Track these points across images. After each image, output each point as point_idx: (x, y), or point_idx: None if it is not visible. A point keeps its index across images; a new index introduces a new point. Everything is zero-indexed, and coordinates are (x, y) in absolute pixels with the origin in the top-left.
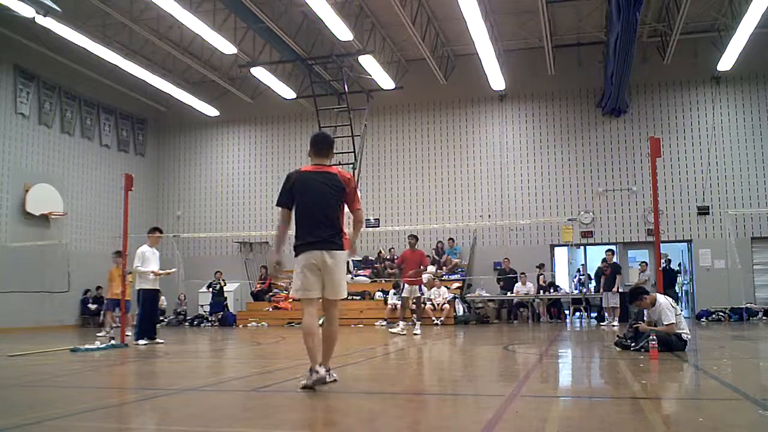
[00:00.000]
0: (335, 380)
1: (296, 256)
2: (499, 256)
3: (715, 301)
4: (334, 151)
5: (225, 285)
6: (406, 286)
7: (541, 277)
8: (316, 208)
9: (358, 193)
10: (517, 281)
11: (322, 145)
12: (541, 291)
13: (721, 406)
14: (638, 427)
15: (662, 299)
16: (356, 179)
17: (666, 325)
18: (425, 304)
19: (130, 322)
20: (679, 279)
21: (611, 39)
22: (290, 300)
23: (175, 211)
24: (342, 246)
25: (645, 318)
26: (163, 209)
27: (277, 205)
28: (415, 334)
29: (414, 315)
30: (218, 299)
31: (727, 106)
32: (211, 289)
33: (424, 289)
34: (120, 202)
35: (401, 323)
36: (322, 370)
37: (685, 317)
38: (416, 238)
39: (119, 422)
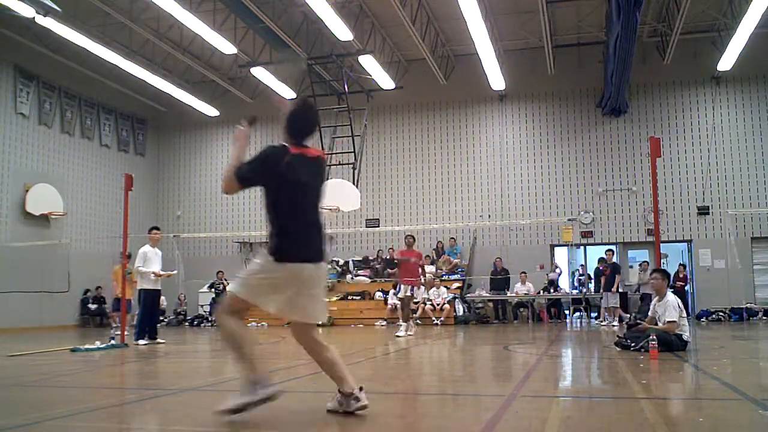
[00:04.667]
0: (364, 406)
1: (277, 261)
2: (499, 256)
3: (715, 301)
4: (334, 151)
5: (228, 285)
6: (403, 285)
7: (554, 273)
8: (313, 207)
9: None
10: (509, 281)
11: (314, 122)
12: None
13: (721, 406)
14: (638, 427)
15: (672, 296)
16: (356, 179)
17: (668, 322)
18: (424, 304)
19: (130, 322)
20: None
21: (611, 39)
22: None
23: (175, 211)
24: None
25: (650, 313)
26: (163, 209)
27: (240, 177)
28: (398, 336)
29: (405, 315)
30: (220, 299)
31: (727, 106)
32: (213, 290)
33: (419, 291)
34: (120, 202)
35: (403, 325)
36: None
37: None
38: (413, 238)
39: (119, 422)
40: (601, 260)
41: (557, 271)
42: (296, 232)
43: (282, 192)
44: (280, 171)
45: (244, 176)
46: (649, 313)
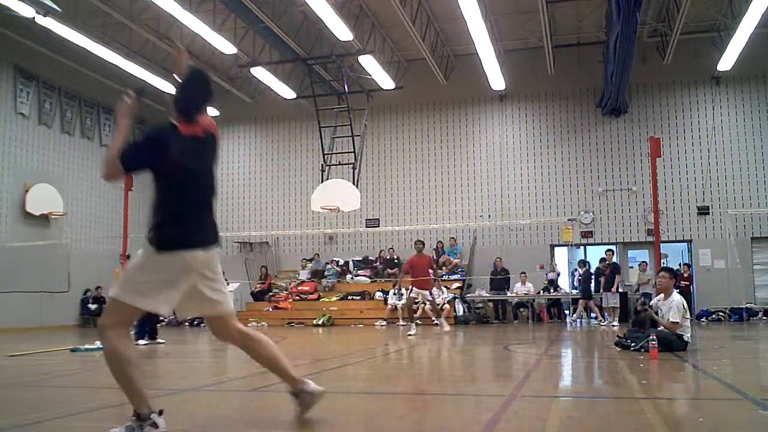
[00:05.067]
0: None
1: (161, 252)
2: (499, 256)
3: (715, 301)
4: (334, 151)
5: (228, 285)
6: (415, 289)
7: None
8: (205, 190)
9: None
10: (509, 281)
11: (207, 95)
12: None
13: (721, 406)
14: (638, 427)
15: (678, 297)
16: (356, 179)
17: (671, 322)
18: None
19: None
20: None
21: (611, 39)
22: (290, 300)
23: None
24: None
25: (658, 313)
26: None
27: (124, 162)
28: (410, 335)
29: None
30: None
31: (727, 106)
32: None
33: (436, 291)
34: (120, 202)
35: (412, 324)
36: (159, 419)
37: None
38: (423, 244)
39: (119, 422)
40: (602, 260)
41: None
42: (183, 218)
43: (172, 178)
44: (169, 155)
45: (128, 161)
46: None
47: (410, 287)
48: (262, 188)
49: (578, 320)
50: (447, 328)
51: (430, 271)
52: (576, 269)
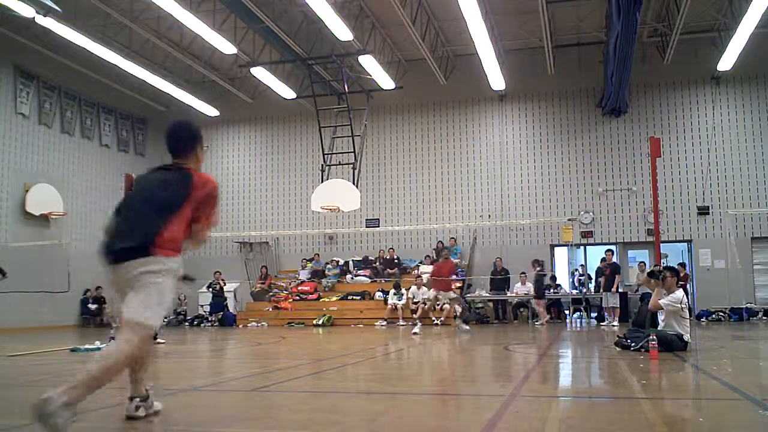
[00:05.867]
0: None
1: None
2: (499, 256)
3: (715, 301)
4: (334, 151)
5: (225, 285)
6: (441, 292)
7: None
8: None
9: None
10: (509, 281)
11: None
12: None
13: (721, 406)
14: (638, 427)
15: (681, 292)
16: (356, 179)
17: (662, 303)
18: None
19: None
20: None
21: (611, 39)
22: (290, 300)
23: None
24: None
25: (654, 296)
26: None
27: None
28: (415, 334)
29: (453, 315)
30: (218, 299)
31: (727, 106)
32: (210, 290)
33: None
34: None
35: (418, 323)
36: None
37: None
38: (445, 248)
39: (119, 422)
40: (602, 260)
41: (538, 271)
42: None
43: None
44: None
45: None
46: (653, 296)
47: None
48: (262, 188)
49: (541, 321)
50: (466, 327)
51: (453, 277)
52: (576, 269)
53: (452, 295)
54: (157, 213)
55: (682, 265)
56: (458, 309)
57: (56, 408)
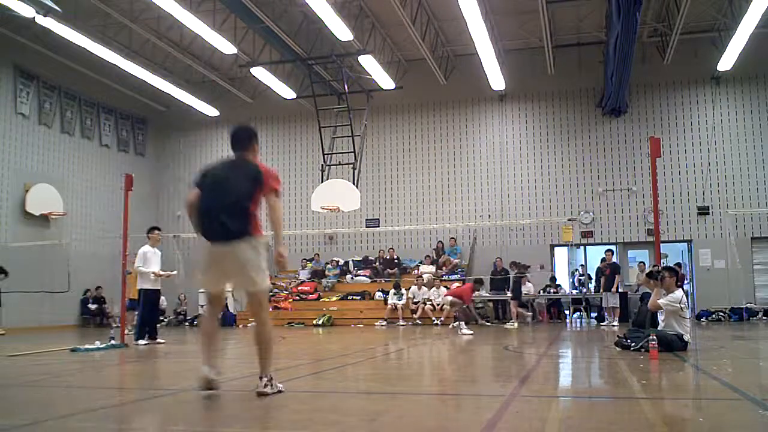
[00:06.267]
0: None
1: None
2: (499, 256)
3: (715, 301)
4: (334, 151)
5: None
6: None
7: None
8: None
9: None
10: (509, 281)
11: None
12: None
13: (721, 406)
14: (638, 427)
15: (680, 292)
16: (356, 179)
17: (661, 303)
18: (424, 304)
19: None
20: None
21: (611, 39)
22: (290, 300)
23: (175, 211)
24: None
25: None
26: (163, 209)
27: None
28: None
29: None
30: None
31: (727, 106)
32: None
33: (435, 292)
34: (120, 202)
35: (462, 323)
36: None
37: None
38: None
39: (119, 422)
40: (602, 260)
41: (516, 273)
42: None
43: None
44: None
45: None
46: (652, 296)
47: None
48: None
49: (513, 322)
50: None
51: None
52: (576, 269)
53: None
54: (244, 200)
55: (678, 265)
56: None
57: (266, 382)
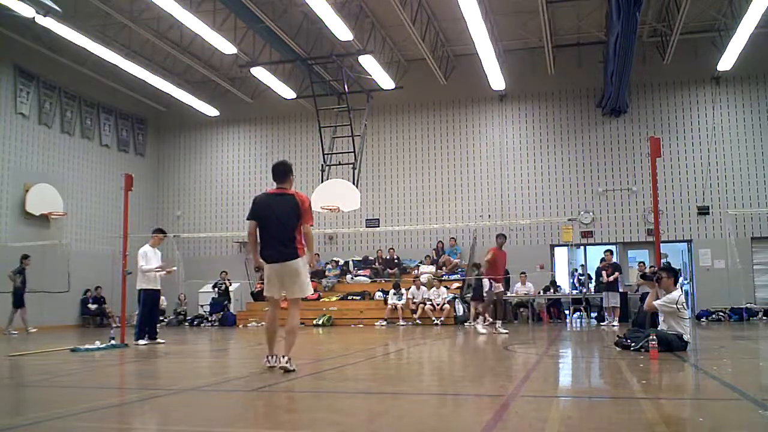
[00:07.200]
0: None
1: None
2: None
3: (715, 301)
4: (334, 151)
5: (230, 285)
6: (493, 283)
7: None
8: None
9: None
10: (509, 281)
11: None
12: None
13: (721, 406)
14: (638, 427)
15: (677, 293)
16: (356, 179)
17: (656, 303)
18: (424, 304)
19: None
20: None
21: (611, 39)
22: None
23: (175, 211)
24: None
25: (650, 295)
26: (163, 209)
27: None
28: (501, 332)
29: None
30: (221, 299)
31: (727, 106)
32: (216, 289)
33: (435, 291)
34: (120, 202)
35: (498, 322)
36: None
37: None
38: (505, 237)
39: (119, 422)
40: (601, 260)
41: (476, 274)
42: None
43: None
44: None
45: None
46: (648, 297)
47: (490, 282)
48: (262, 188)
49: (472, 323)
50: (483, 330)
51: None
52: (576, 269)
53: (498, 289)
54: (292, 230)
55: (668, 264)
56: (480, 309)
57: (288, 360)
